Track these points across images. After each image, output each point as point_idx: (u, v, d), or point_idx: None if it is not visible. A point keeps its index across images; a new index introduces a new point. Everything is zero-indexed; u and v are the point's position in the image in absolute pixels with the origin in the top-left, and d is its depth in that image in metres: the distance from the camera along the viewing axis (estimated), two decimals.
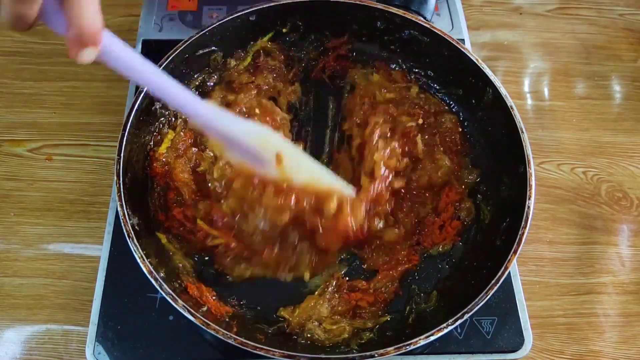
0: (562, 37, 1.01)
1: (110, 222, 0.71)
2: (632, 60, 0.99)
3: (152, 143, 0.71)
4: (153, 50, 0.85)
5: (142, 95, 0.66)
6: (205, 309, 0.61)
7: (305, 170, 0.61)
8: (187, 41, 0.70)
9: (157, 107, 0.70)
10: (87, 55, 0.43)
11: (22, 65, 0.91)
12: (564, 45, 1.00)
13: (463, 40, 0.90)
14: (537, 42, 1.00)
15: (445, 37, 0.73)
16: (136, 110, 0.66)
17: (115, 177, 0.61)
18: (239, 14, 0.73)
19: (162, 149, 0.71)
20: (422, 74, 0.80)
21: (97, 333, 0.64)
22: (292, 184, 0.59)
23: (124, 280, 0.67)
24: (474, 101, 0.75)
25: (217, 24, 0.72)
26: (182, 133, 0.73)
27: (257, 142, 0.58)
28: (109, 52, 0.45)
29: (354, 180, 0.70)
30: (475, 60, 0.71)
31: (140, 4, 0.91)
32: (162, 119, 0.72)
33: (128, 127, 0.64)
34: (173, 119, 0.73)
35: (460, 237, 0.71)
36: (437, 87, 0.80)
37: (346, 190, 0.63)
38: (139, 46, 0.86)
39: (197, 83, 0.77)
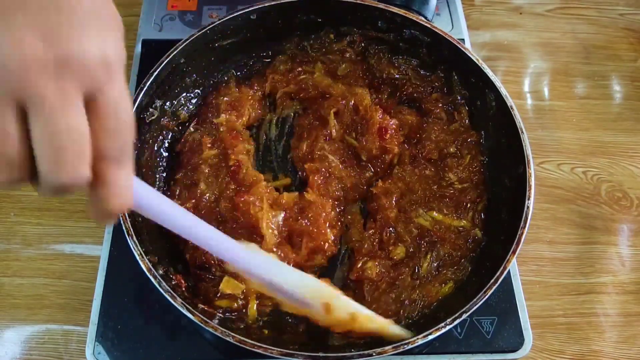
0: (562, 37, 1.01)
1: None
2: (632, 60, 0.99)
3: None
4: (153, 50, 0.85)
5: (142, 94, 0.66)
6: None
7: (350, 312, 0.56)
8: (187, 39, 0.71)
9: (158, 104, 0.71)
10: (111, 222, 0.39)
11: None
12: (564, 45, 1.00)
13: (463, 40, 0.89)
14: (537, 42, 1.00)
15: (446, 36, 0.73)
16: (136, 108, 0.66)
17: None
18: (239, 12, 0.74)
19: None
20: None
21: (97, 333, 0.64)
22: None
23: (124, 280, 0.67)
24: (474, 101, 0.75)
25: (219, 22, 0.73)
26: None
27: (305, 293, 0.55)
28: (137, 207, 0.41)
29: None
30: (475, 60, 0.71)
31: (140, 4, 0.91)
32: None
33: None
34: None
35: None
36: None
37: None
38: (139, 46, 0.86)
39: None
